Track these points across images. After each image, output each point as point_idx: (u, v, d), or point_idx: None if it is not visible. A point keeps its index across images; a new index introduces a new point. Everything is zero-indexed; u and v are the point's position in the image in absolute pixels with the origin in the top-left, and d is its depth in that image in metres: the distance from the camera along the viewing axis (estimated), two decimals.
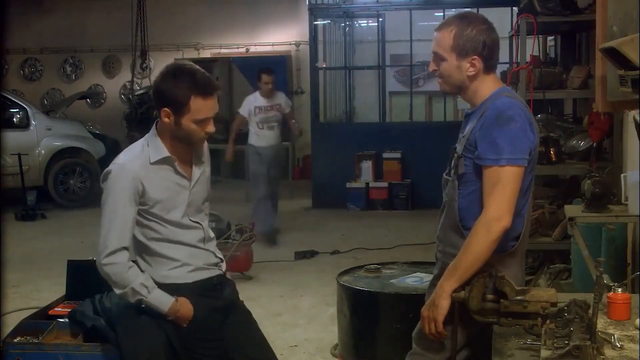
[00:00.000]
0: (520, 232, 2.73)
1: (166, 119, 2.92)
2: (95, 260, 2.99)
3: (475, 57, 2.67)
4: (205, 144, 3.16)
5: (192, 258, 3.05)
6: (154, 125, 3.03)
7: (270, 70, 8.54)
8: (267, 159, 8.48)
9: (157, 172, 2.97)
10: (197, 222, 3.08)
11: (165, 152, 2.97)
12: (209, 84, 2.89)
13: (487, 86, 2.73)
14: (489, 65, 2.71)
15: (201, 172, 3.09)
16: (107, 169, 2.97)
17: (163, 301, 2.95)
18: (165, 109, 2.90)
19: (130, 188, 2.90)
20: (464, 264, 2.59)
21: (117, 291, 2.94)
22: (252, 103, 8.47)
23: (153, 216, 2.97)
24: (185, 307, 2.99)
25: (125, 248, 2.92)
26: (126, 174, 2.91)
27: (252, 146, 8.55)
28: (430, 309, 2.67)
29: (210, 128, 2.93)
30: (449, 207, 2.78)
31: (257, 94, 8.52)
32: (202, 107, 2.87)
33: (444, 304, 2.61)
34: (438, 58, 2.75)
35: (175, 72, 2.91)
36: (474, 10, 11.36)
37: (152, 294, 2.93)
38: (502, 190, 2.56)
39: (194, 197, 3.06)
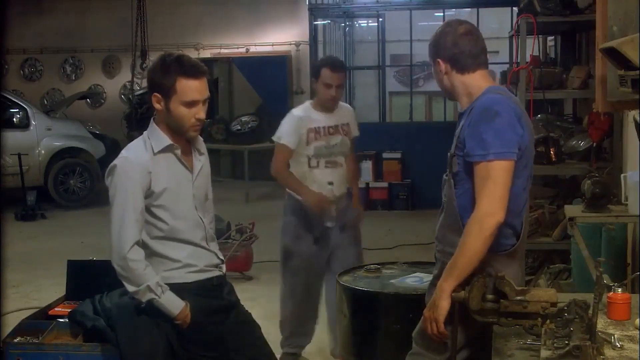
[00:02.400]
0: (519, 231, 2.73)
1: (157, 105, 2.96)
2: (95, 260, 3.00)
3: (438, 59, 2.77)
4: (202, 140, 3.17)
5: (194, 258, 3.05)
6: (152, 120, 3.05)
7: (339, 63, 4.68)
8: (319, 225, 4.60)
9: (162, 161, 2.99)
10: (202, 219, 3.09)
11: (167, 141, 2.99)
12: (195, 66, 2.94)
13: (477, 86, 2.75)
14: (459, 66, 2.75)
15: (201, 165, 3.11)
16: (112, 164, 2.97)
17: (174, 304, 2.95)
18: (156, 94, 2.95)
19: (138, 179, 2.91)
20: (460, 262, 2.60)
21: (131, 288, 2.92)
22: (303, 122, 4.58)
23: (161, 209, 2.97)
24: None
25: (139, 242, 2.93)
26: (133, 166, 2.93)
27: (292, 198, 4.65)
28: (431, 310, 2.68)
29: (201, 114, 2.94)
30: (448, 207, 2.79)
31: (308, 106, 4.69)
32: (188, 88, 2.90)
33: (444, 304, 2.62)
34: None
35: (163, 58, 2.97)
36: (474, 10, 11.38)
37: (165, 295, 2.93)
38: (493, 185, 2.57)
39: (197, 190, 3.07)
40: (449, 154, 2.78)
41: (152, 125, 3.03)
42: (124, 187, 2.92)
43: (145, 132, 3.05)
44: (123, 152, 3.01)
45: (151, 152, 2.97)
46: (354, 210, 4.84)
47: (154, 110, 3.04)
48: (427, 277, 3.55)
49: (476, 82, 2.75)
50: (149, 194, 2.94)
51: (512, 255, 2.73)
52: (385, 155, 10.91)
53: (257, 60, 14.30)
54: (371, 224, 9.69)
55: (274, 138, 4.69)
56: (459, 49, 2.73)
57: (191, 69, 2.92)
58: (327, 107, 4.60)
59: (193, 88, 2.91)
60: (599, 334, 2.24)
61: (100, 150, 11.69)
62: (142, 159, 2.95)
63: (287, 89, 14.43)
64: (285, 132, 4.61)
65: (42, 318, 3.61)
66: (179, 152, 3.02)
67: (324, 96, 4.56)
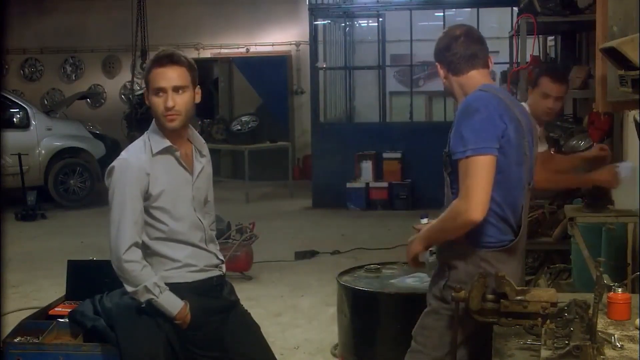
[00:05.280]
0: (516, 227, 2.75)
1: (147, 102, 3.02)
2: (95, 260, 2.99)
3: (437, 63, 2.88)
4: (204, 142, 3.17)
5: (193, 258, 3.05)
6: (153, 121, 3.07)
7: (561, 74, 4.54)
8: None
9: (161, 163, 3.00)
10: (201, 221, 3.09)
11: (166, 142, 3.00)
12: (165, 55, 2.99)
13: (471, 85, 2.81)
14: (453, 68, 2.83)
15: (202, 167, 3.11)
16: (111, 165, 2.99)
17: (173, 304, 2.95)
18: (144, 90, 3.03)
19: (136, 181, 2.93)
20: (434, 232, 2.78)
21: (129, 289, 2.94)
22: None
23: (159, 211, 2.98)
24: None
25: (138, 243, 2.94)
26: (131, 168, 2.94)
27: None
28: (408, 246, 2.89)
29: (169, 102, 2.93)
30: (446, 205, 2.82)
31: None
32: (156, 76, 2.95)
33: (414, 249, 2.85)
34: None
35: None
36: (474, 10, 11.38)
37: (164, 295, 2.94)
38: (470, 181, 2.60)
39: (196, 192, 3.08)
40: (443, 152, 2.83)
41: (153, 127, 3.05)
42: (122, 189, 2.93)
43: (146, 133, 3.06)
44: (122, 154, 3.03)
45: (150, 154, 2.98)
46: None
47: None
48: (427, 277, 3.56)
49: (470, 82, 2.81)
50: (147, 197, 2.95)
51: (510, 251, 2.75)
52: (385, 155, 10.91)
53: (257, 60, 14.31)
54: (371, 224, 9.73)
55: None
56: (452, 52, 2.82)
57: (160, 58, 2.98)
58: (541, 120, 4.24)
59: (159, 75, 2.95)
60: (599, 334, 2.24)
61: (100, 150, 11.70)
62: (140, 161, 2.96)
63: (287, 89, 14.43)
64: None
65: (42, 318, 3.60)
66: (178, 153, 3.03)
67: (542, 108, 4.23)
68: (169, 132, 3.00)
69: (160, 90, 2.94)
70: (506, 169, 2.67)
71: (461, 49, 2.81)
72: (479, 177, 2.59)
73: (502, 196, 2.68)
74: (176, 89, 2.95)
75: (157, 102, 2.95)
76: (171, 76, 2.95)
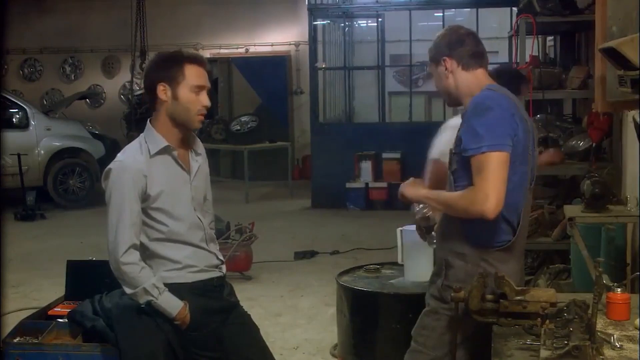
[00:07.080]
0: (516, 227, 2.75)
1: (163, 96, 2.96)
2: (95, 261, 2.99)
3: (445, 58, 2.84)
4: (199, 140, 3.17)
5: (193, 259, 3.05)
6: (148, 121, 3.05)
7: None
8: None
9: (158, 164, 2.99)
10: (201, 220, 3.09)
11: (164, 142, 2.99)
12: (198, 55, 3.05)
13: (478, 84, 2.81)
14: (464, 62, 2.83)
15: (199, 165, 3.11)
16: (107, 168, 2.98)
17: (172, 305, 2.95)
18: (162, 83, 2.95)
19: (134, 183, 2.92)
20: (441, 201, 2.78)
21: (128, 290, 2.94)
22: None
23: (159, 212, 2.97)
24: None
25: (136, 245, 2.94)
26: (128, 170, 2.93)
27: None
28: (407, 188, 2.92)
29: (206, 100, 2.96)
30: None
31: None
32: (197, 73, 2.95)
33: (409, 198, 2.91)
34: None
35: (161, 54, 3.08)
36: (474, 10, 11.38)
37: (163, 296, 2.94)
38: (486, 176, 2.60)
39: (195, 192, 3.07)
40: (449, 150, 2.83)
41: (149, 127, 3.03)
42: (120, 191, 2.92)
43: (141, 135, 3.05)
44: (119, 156, 3.01)
45: (147, 155, 2.97)
46: None
47: (152, 112, 3.04)
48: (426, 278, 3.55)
49: (478, 80, 2.82)
50: (145, 198, 2.95)
51: (508, 250, 2.75)
52: (385, 155, 10.91)
53: (257, 60, 14.31)
54: (371, 224, 9.73)
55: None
56: (464, 46, 2.83)
57: (196, 57, 3.01)
58: None
59: (201, 73, 2.97)
60: (599, 334, 2.24)
61: (99, 151, 11.70)
62: (137, 163, 2.95)
63: (287, 89, 14.44)
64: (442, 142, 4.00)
65: (41, 318, 3.61)
66: (175, 153, 3.02)
67: None
68: (172, 133, 2.99)
69: (201, 88, 2.96)
70: (512, 168, 2.67)
71: (473, 45, 2.84)
72: (494, 172, 2.59)
73: (506, 196, 2.68)
74: (209, 90, 3.01)
75: (196, 99, 2.95)
76: (207, 77, 2.99)
